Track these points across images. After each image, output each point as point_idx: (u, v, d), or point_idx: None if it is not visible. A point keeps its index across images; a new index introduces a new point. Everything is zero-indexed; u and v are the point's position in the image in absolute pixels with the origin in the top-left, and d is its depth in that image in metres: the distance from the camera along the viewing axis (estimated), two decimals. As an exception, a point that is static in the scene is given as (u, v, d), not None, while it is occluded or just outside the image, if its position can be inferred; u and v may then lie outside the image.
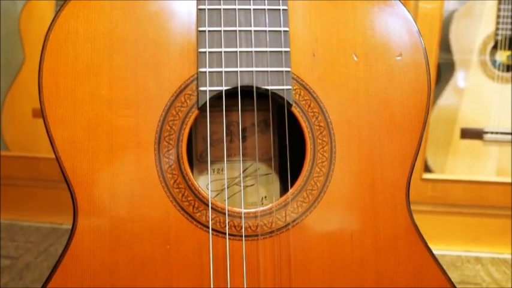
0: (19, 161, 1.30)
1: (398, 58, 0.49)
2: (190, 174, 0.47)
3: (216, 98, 0.47)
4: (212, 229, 0.46)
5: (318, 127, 0.48)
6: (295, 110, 0.48)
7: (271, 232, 0.47)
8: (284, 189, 0.55)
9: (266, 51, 0.47)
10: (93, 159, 0.46)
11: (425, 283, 0.49)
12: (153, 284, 0.46)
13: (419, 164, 1.18)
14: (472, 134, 1.30)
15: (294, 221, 0.48)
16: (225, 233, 0.46)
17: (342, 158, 0.48)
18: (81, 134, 0.46)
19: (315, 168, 0.48)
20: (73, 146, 0.46)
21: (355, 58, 0.49)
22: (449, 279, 0.50)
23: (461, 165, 1.30)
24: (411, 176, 0.49)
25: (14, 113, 1.32)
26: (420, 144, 0.49)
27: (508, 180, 1.21)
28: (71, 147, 0.46)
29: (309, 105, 0.48)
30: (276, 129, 0.56)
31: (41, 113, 0.46)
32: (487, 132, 1.29)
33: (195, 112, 0.47)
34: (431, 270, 0.49)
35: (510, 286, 1.11)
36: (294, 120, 0.49)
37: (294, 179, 0.48)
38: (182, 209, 0.47)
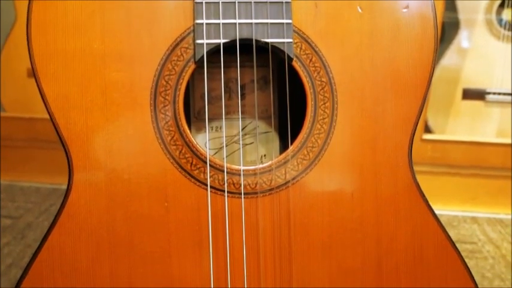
0: (16, 121, 1.29)
1: (405, 10, 0.47)
2: (188, 131, 0.46)
3: (214, 53, 0.45)
4: (211, 187, 0.46)
5: (319, 82, 0.47)
6: (296, 65, 0.46)
7: (270, 190, 0.46)
8: (284, 148, 0.54)
9: (266, 2, 0.45)
10: (87, 116, 0.45)
11: (424, 241, 0.49)
12: (151, 242, 0.46)
13: (419, 124, 1.16)
14: (474, 94, 1.28)
15: (293, 178, 0.47)
16: (223, 191, 0.46)
17: (344, 114, 0.47)
18: (74, 89, 0.44)
19: (315, 125, 0.47)
20: (66, 102, 0.44)
21: (360, 10, 0.46)
22: (448, 237, 0.50)
23: (462, 126, 1.29)
24: (414, 134, 0.48)
25: (9, 74, 1.29)
26: (424, 102, 0.48)
27: (508, 141, 1.21)
28: (63, 103, 0.44)
29: (311, 60, 0.47)
30: (276, 86, 0.55)
31: (31, 68, 0.45)
32: (489, 93, 1.27)
33: (192, 66, 0.45)
34: (431, 228, 0.49)
35: (505, 245, 1.13)
36: (294, 77, 0.47)
37: (294, 137, 0.47)
38: (180, 166, 0.46)
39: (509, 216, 1.23)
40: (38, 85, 0.45)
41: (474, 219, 1.22)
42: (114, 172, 0.45)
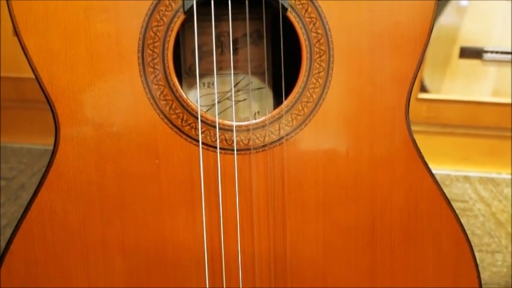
0: (3, 82, 1.25)
1: (406, -43, 0.44)
2: (178, 85, 0.44)
3: (205, 4, 0.43)
4: (202, 143, 0.44)
5: (315, 34, 0.45)
6: (291, 15, 0.44)
7: (264, 146, 0.45)
8: (278, 105, 0.53)
9: None
10: (72, 71, 0.43)
11: (419, 198, 0.48)
12: (142, 199, 0.45)
13: (415, 84, 1.16)
14: (471, 53, 1.26)
15: (288, 134, 0.46)
16: (215, 147, 0.45)
17: (340, 68, 0.45)
18: (57, 43, 0.42)
19: (311, 79, 0.45)
20: (49, 57, 0.42)
21: (359, -44, 0.44)
22: (443, 195, 0.49)
23: (458, 85, 1.28)
24: (411, 91, 0.47)
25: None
26: (423, 58, 0.46)
27: (504, 100, 1.20)
28: (46, 57, 0.42)
29: (306, 10, 0.44)
30: (270, 40, 0.53)
31: (11, 19, 0.42)
32: (487, 52, 1.25)
33: (181, 17, 0.43)
34: (427, 186, 0.48)
35: (496, 203, 1.15)
36: (289, 32, 0.45)
37: (288, 93, 0.45)
38: (170, 122, 0.44)
39: (501, 176, 1.24)
40: (18, 38, 0.43)
41: (466, 178, 1.24)
42: (102, 128, 0.44)
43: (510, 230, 1.05)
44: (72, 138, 0.43)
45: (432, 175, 0.49)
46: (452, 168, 1.25)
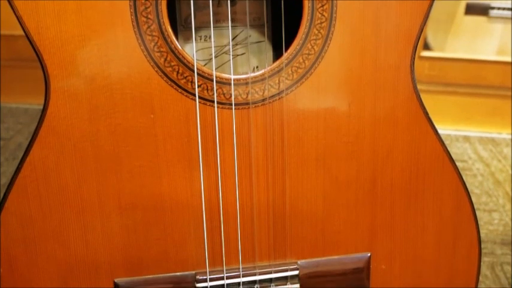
0: (-3, 40, 1.22)
1: None
2: (173, 37, 0.42)
3: None
4: (199, 97, 0.43)
5: (317, -19, 0.42)
6: (292, -39, 0.42)
7: (263, 100, 0.44)
8: (277, 59, 0.50)
9: None
10: (60, 19, 0.40)
11: (422, 154, 0.47)
12: (138, 156, 0.44)
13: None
14: (477, 9, 1.22)
15: (288, 88, 0.44)
16: (213, 101, 0.43)
17: (343, 19, 0.43)
18: (43, -10, 0.39)
19: (312, 29, 0.43)
20: (35, 5, 0.40)
21: None
22: (446, 150, 0.48)
23: (462, 43, 1.25)
24: (417, 45, 0.45)
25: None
26: (429, 11, 0.44)
27: (508, 59, 1.18)
28: (32, 5, 0.40)
29: (308, -46, 0.41)
30: (269, -9, 0.50)
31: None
32: (493, 8, 1.21)
33: (174, -38, 0.40)
34: (429, 141, 0.47)
35: (495, 163, 1.14)
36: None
37: (289, 46, 0.43)
38: (165, 75, 0.42)
39: (501, 136, 1.24)
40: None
41: (466, 138, 1.23)
42: (94, 82, 0.42)
43: (508, 189, 1.06)
44: (63, 92, 0.42)
45: (436, 132, 0.48)
46: (452, 128, 1.24)
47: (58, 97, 0.42)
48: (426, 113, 0.47)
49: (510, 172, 1.11)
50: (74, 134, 0.43)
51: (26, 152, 0.43)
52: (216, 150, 0.44)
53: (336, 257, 0.49)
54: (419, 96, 0.46)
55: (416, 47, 0.45)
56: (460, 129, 1.24)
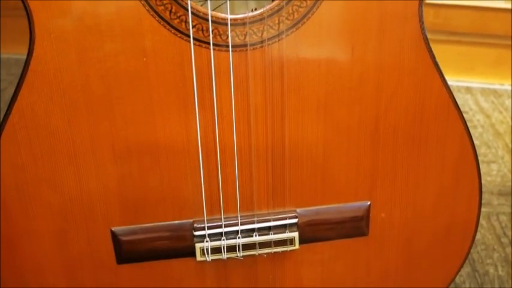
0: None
1: None
2: (164, -28, 0.39)
3: None
4: (194, 38, 0.40)
5: None
6: None
7: (261, 42, 0.41)
8: None
9: None
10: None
11: (427, 98, 0.45)
12: (131, 100, 0.42)
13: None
14: (486, -47, 1.16)
15: (288, 29, 0.41)
16: (208, 43, 0.40)
17: (348, -47, 0.40)
18: None
19: (315, -37, 0.40)
20: None
21: None
22: (452, 96, 0.47)
23: (469, -11, 1.20)
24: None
25: None
26: None
27: (515, 7, 1.14)
28: None
29: None
30: None
31: None
32: (502, -48, 1.15)
33: None
34: (435, 85, 0.45)
35: (496, 115, 1.13)
36: None
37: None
38: (157, 14, 0.40)
39: (504, 87, 1.22)
40: None
41: (468, 89, 1.21)
42: (82, 22, 0.39)
43: (508, 140, 1.05)
44: (49, 33, 0.39)
45: (443, 77, 0.46)
46: (454, 78, 1.22)
47: (44, 38, 0.39)
48: (433, 57, 0.44)
49: (510, 124, 1.09)
50: (63, 79, 0.41)
51: (13, 98, 0.42)
52: (213, 94, 0.42)
53: (335, 205, 0.48)
54: (427, 39, 0.44)
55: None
56: (462, 80, 1.22)
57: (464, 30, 1.17)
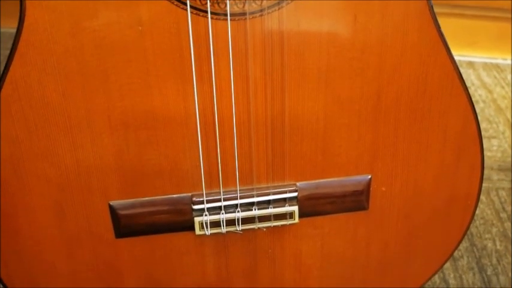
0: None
1: None
2: None
3: None
4: (191, 6, 0.39)
5: None
6: None
7: (261, 11, 0.40)
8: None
9: None
10: None
11: (431, 70, 0.44)
12: (127, 72, 0.41)
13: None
14: None
15: (288, -3, 0.40)
16: (206, 11, 0.39)
17: None
18: None
19: None
20: None
21: None
22: (456, 68, 0.45)
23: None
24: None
25: None
26: None
27: (521, -22, 1.11)
28: None
29: None
30: None
31: None
32: None
33: None
34: (439, 57, 0.44)
35: (498, 90, 1.12)
36: None
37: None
38: (152, -19, 0.38)
39: (506, 61, 1.20)
40: None
41: (471, 64, 1.20)
42: (74, -11, 0.38)
43: (509, 116, 1.04)
44: (40, 1, 0.38)
45: (448, 49, 0.45)
46: (457, 53, 1.20)
47: (35, 7, 0.38)
48: (439, 28, 0.43)
49: (512, 99, 1.09)
50: (57, 50, 0.40)
51: (5, 70, 0.40)
52: (211, 65, 0.41)
53: (335, 179, 0.48)
54: (432, 8, 0.42)
55: None
56: (464, 55, 1.21)
57: (467, 3, 1.14)
